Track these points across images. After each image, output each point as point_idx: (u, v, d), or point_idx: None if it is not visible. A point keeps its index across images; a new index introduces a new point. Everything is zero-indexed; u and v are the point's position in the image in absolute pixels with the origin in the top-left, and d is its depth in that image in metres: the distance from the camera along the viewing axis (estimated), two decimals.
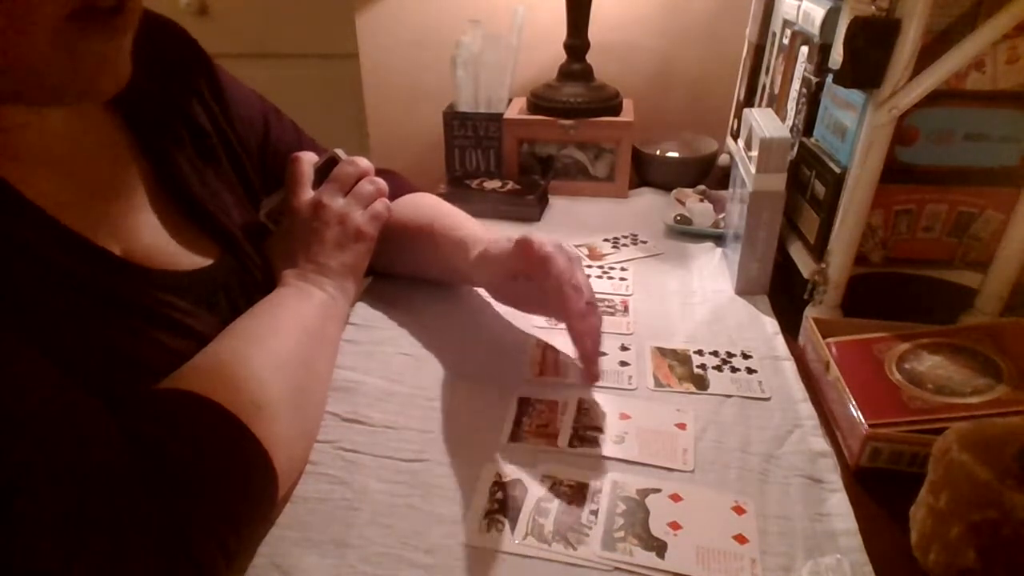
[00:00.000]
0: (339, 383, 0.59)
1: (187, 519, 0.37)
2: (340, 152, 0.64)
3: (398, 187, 0.70)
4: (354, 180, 0.62)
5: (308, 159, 0.63)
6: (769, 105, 0.90)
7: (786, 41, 0.84)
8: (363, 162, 0.64)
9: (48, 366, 0.37)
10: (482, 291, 0.76)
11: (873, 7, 0.56)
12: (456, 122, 1.02)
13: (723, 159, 1.06)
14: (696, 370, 0.62)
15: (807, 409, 0.57)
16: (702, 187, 0.95)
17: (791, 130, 0.77)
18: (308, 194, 0.61)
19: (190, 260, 0.53)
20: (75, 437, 0.35)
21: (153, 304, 0.47)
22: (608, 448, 0.53)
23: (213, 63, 0.61)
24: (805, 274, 0.68)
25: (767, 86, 0.93)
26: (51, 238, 0.42)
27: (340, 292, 0.59)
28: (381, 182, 0.64)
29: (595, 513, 0.47)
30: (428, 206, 0.72)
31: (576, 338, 0.55)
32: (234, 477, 0.42)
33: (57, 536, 0.32)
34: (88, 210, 0.46)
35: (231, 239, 0.56)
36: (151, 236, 0.51)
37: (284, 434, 0.46)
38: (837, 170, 0.64)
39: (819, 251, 0.67)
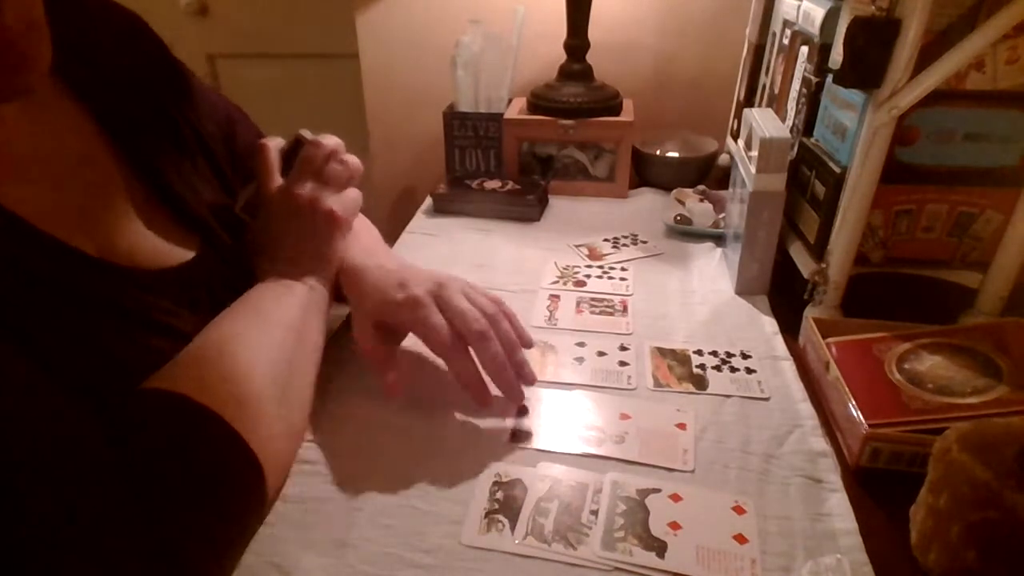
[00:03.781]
0: (339, 383, 0.59)
1: (174, 521, 0.37)
2: (306, 133, 0.61)
3: None
4: (321, 161, 0.59)
5: (275, 145, 0.61)
6: (769, 105, 0.90)
7: (786, 41, 0.84)
8: (330, 140, 0.60)
9: (31, 371, 0.36)
10: None
11: (873, 7, 0.56)
12: (456, 122, 1.02)
13: (723, 159, 1.06)
14: (695, 370, 0.62)
15: (807, 409, 0.57)
16: (702, 187, 0.95)
17: (791, 130, 0.77)
18: (277, 182, 0.59)
19: (170, 255, 0.51)
20: (60, 441, 0.35)
21: (135, 306, 0.46)
22: (608, 448, 0.53)
23: (171, 53, 0.58)
24: (805, 274, 0.68)
25: (767, 86, 0.93)
26: (26, 243, 0.41)
27: (320, 281, 0.57)
28: (353, 161, 0.61)
29: (595, 513, 0.47)
30: None
31: (454, 375, 0.55)
32: (219, 475, 0.41)
33: (43, 543, 0.32)
34: (62, 211, 0.45)
35: (210, 231, 0.55)
36: (129, 233, 0.49)
37: (269, 430, 0.45)
38: (837, 170, 0.64)
39: (819, 251, 0.67)
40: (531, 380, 0.56)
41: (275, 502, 0.48)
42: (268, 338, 0.50)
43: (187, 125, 0.56)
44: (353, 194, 0.61)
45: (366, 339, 0.56)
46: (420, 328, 0.55)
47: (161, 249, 0.51)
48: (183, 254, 0.52)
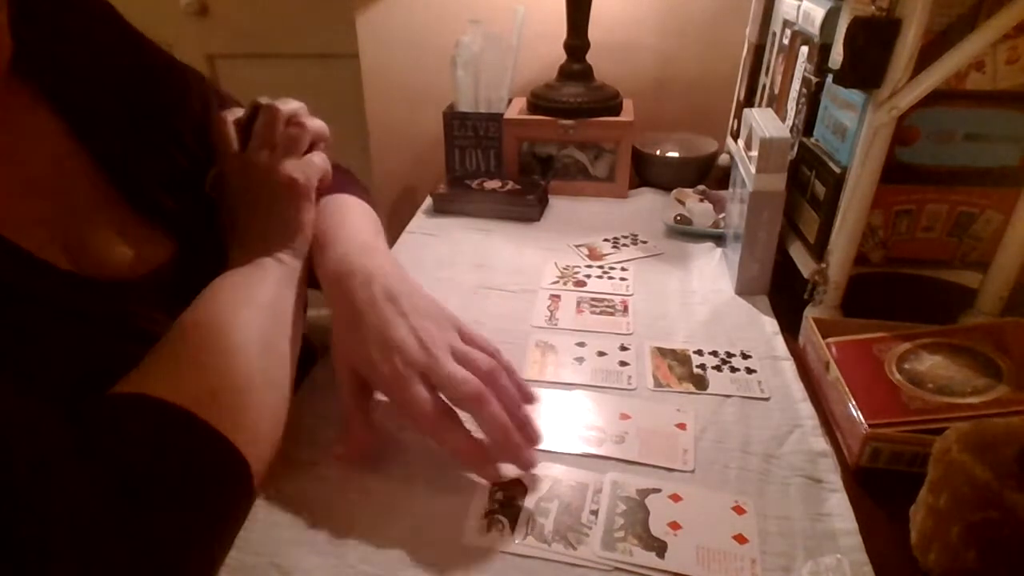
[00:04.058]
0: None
1: (159, 527, 0.36)
2: (263, 100, 0.58)
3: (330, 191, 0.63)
4: (279, 127, 0.56)
5: (232, 117, 0.58)
6: (769, 105, 0.90)
7: (786, 41, 0.84)
8: (287, 105, 0.57)
9: (3, 382, 0.36)
10: (482, 293, 0.76)
11: (873, 7, 0.56)
12: (456, 122, 1.02)
13: (723, 159, 1.06)
14: (696, 370, 0.62)
15: (807, 409, 0.57)
16: (702, 187, 0.95)
17: (791, 130, 0.77)
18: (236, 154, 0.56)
19: (146, 260, 0.50)
20: (36, 453, 0.34)
21: (109, 315, 0.44)
22: (608, 448, 0.53)
23: (143, 38, 0.56)
24: (805, 274, 0.68)
25: (767, 86, 0.93)
26: None
27: (291, 255, 0.54)
28: (314, 124, 0.58)
29: (595, 513, 0.47)
30: (335, 213, 0.61)
31: (448, 452, 0.48)
32: (199, 474, 0.40)
33: (22, 566, 0.31)
34: (32, 220, 0.43)
35: (186, 231, 0.53)
36: (102, 240, 0.48)
37: (248, 419, 0.44)
38: (837, 170, 0.64)
39: (819, 251, 0.67)
40: (535, 440, 0.50)
41: (263, 485, 0.47)
42: (241, 321, 0.48)
43: (162, 119, 0.55)
44: (317, 159, 0.58)
45: (342, 383, 0.51)
46: (400, 404, 0.48)
47: (136, 254, 0.49)
48: (159, 257, 0.51)
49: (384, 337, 0.48)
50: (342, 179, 0.67)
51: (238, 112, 0.59)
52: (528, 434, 0.49)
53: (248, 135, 0.57)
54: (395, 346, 0.48)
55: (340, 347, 0.51)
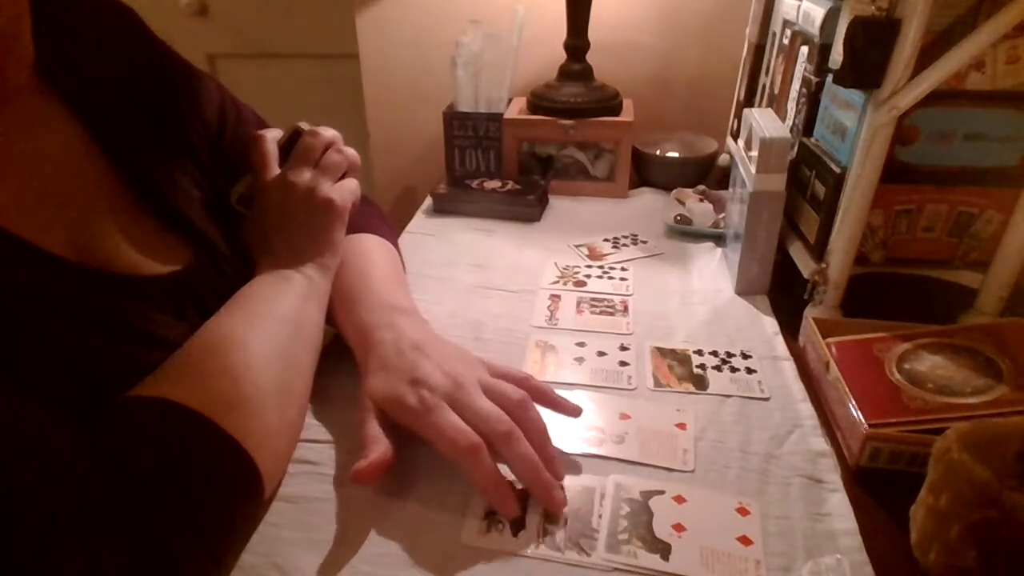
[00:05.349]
0: (339, 383, 0.59)
1: (166, 530, 0.37)
2: (303, 125, 0.61)
3: (354, 221, 0.63)
4: (320, 152, 0.59)
5: (272, 136, 0.60)
6: (769, 105, 0.90)
7: (786, 41, 0.84)
8: (327, 132, 0.60)
9: (7, 382, 0.36)
10: (482, 293, 0.76)
11: (873, 7, 0.56)
12: (456, 122, 1.02)
13: (723, 159, 1.06)
14: (696, 370, 0.62)
15: (807, 409, 0.57)
16: (702, 187, 0.95)
17: (791, 130, 0.77)
18: (275, 173, 0.59)
19: (157, 263, 0.50)
20: (44, 455, 0.34)
21: (106, 309, 0.44)
22: (608, 448, 0.53)
23: (164, 46, 0.57)
24: (805, 274, 0.68)
25: (767, 86, 0.93)
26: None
27: (318, 271, 0.56)
28: (351, 152, 0.61)
29: (599, 516, 0.47)
30: (358, 264, 0.63)
31: (472, 480, 0.46)
32: (210, 480, 0.40)
33: (29, 562, 0.31)
34: (37, 213, 0.43)
35: (202, 238, 0.54)
36: (109, 238, 0.47)
37: (264, 429, 0.44)
38: (837, 170, 0.64)
39: (819, 251, 0.67)
40: (558, 477, 0.48)
41: (274, 497, 0.48)
42: (262, 332, 0.49)
43: (177, 127, 0.55)
44: (351, 184, 0.61)
45: (365, 415, 0.51)
46: (427, 432, 0.48)
47: (147, 256, 0.49)
48: (173, 263, 0.51)
49: (413, 376, 0.50)
50: (368, 211, 0.69)
51: (276, 132, 0.61)
52: (550, 470, 0.48)
53: (285, 155, 0.60)
54: (422, 380, 0.50)
55: (368, 388, 0.52)
